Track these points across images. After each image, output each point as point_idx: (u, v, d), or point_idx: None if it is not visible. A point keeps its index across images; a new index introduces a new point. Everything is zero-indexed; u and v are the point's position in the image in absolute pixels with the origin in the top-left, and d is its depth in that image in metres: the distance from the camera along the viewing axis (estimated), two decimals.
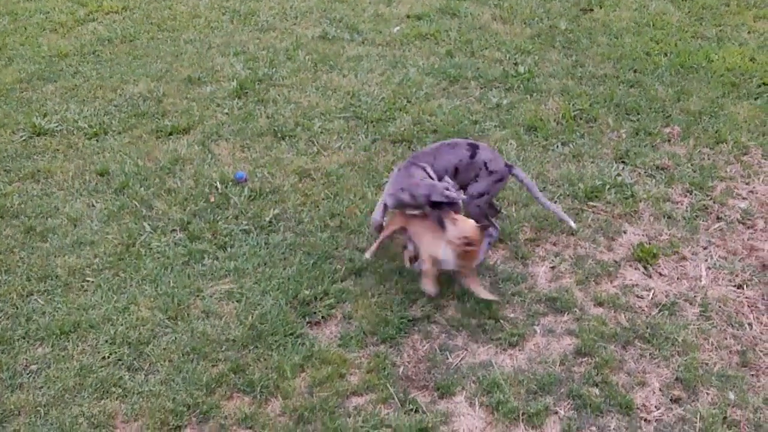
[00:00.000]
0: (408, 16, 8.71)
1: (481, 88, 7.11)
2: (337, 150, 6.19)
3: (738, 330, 4.45)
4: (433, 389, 4.11)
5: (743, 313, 4.56)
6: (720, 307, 4.60)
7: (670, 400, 4.03)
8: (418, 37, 8.18)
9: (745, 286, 4.75)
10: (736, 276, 4.83)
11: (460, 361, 4.29)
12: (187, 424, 3.98)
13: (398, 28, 8.39)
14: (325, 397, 4.06)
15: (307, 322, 4.55)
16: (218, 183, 5.72)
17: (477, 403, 4.03)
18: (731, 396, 4.03)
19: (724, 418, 3.91)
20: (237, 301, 4.68)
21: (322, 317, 4.59)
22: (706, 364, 4.22)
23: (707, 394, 4.06)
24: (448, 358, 4.30)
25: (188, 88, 7.19)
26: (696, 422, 3.88)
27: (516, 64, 7.53)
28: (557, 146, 6.18)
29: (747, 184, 5.69)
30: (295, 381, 4.17)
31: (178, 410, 4.02)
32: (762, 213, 5.38)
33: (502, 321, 4.52)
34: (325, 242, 5.14)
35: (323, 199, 5.59)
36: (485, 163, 4.77)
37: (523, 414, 3.93)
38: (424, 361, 4.28)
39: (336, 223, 5.33)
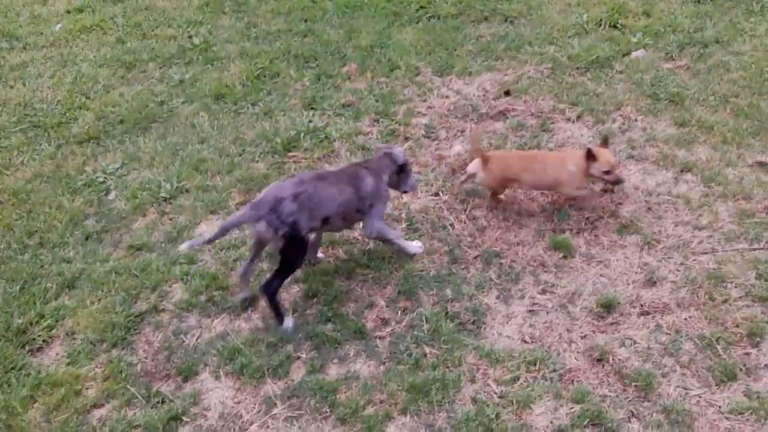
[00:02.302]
0: (68, 11, 8.23)
1: (161, 68, 6.95)
2: (20, 166, 5.76)
3: (443, 233, 4.83)
4: (176, 375, 4.05)
5: (444, 217, 4.95)
6: (423, 217, 4.95)
7: (398, 312, 4.30)
8: (84, 30, 7.77)
9: (440, 193, 5.15)
10: (432, 185, 5.22)
11: (197, 339, 4.25)
12: None
13: (59, 25, 7.90)
14: (64, 419, 3.84)
15: (28, 351, 4.26)
16: None
17: (222, 374, 4.03)
18: (448, 292, 4.40)
19: (446, 312, 4.25)
20: None
21: (44, 341, 4.31)
22: (422, 271, 4.55)
23: (428, 297, 4.38)
24: (184, 341, 4.24)
25: None
26: (423, 324, 4.19)
27: (190, 36, 7.43)
28: (248, 108, 6.24)
29: (424, 101, 6.12)
30: (28, 414, 3.89)
31: None
32: (442, 123, 5.84)
33: (231, 288, 4.53)
34: (29, 264, 4.80)
35: (16, 219, 5.20)
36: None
37: (268, 369, 4.00)
38: (161, 352, 4.19)
39: (36, 241, 4.99)
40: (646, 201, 4.92)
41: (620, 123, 5.67)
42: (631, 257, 4.54)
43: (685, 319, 4.11)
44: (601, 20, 7.04)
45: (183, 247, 4.31)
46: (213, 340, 4.22)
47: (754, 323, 4.03)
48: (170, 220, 5.09)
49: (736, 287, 4.27)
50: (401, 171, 4.59)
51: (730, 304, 4.16)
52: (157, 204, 5.23)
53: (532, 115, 5.86)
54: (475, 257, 4.65)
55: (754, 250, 4.50)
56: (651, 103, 5.86)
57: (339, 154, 5.57)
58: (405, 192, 4.84)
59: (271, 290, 4.19)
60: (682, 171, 5.14)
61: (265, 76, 6.64)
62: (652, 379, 3.80)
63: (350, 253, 4.71)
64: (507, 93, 6.16)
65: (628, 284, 4.37)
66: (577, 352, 4.01)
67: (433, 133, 5.76)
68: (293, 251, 4.18)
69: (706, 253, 4.51)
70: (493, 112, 5.95)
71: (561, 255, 4.60)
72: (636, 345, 4.00)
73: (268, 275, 4.31)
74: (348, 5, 7.64)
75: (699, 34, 6.76)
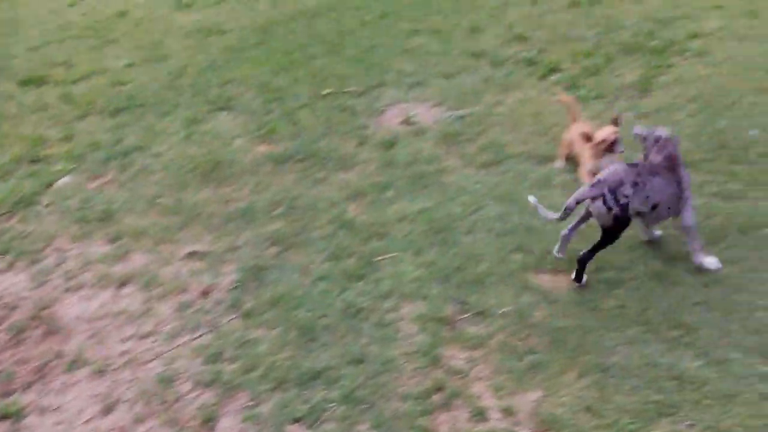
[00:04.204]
0: None
1: None
2: None
3: None
4: None
5: None
6: None
7: None
8: None
9: None
10: None
11: None
12: None
13: None
14: None
15: None
16: None
17: None
18: None
19: None
20: None
21: None
22: None
23: None
24: None
25: None
26: None
27: None
28: None
29: None
30: None
31: None
32: None
33: None
34: None
35: None
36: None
37: None
38: None
39: None
40: (90, 328, 4.90)
41: (54, 258, 5.59)
42: (84, 391, 4.47)
43: None
44: (20, 157, 6.92)
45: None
46: None
47: (206, 409, 4.25)
48: None
49: (186, 381, 4.47)
50: None
51: (182, 401, 4.34)
52: None
53: None
54: None
55: (196, 338, 4.77)
56: (82, 227, 5.91)
57: None
58: None
59: (586, 259, 4.89)
60: (121, 285, 5.25)
61: None
62: None
63: None
64: None
65: (87, 421, 4.29)
66: None
67: None
68: (616, 229, 4.83)
69: (154, 359, 4.65)
70: None
71: (12, 421, 4.33)
72: None
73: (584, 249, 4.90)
74: None
75: (119, 145, 7.04)
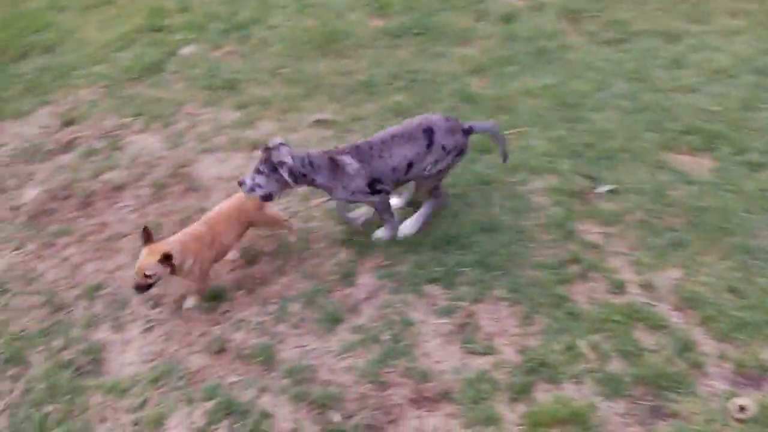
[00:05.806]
0: None
1: None
2: None
3: (36, 284, 4.49)
4: None
5: (33, 269, 4.62)
6: (11, 275, 4.56)
7: (8, 382, 3.93)
8: None
9: (23, 245, 4.80)
10: (12, 240, 4.84)
11: None
12: None
13: None
14: None
15: None
16: None
17: None
18: (57, 342, 4.10)
19: (60, 363, 3.97)
20: None
21: None
22: (23, 331, 4.20)
23: (37, 355, 4.06)
24: None
25: None
26: (38, 384, 3.88)
27: None
28: None
29: None
30: None
31: None
32: (9, 172, 5.43)
33: None
34: None
35: None
36: (443, 147, 4.40)
37: None
38: None
39: None
40: (228, 187, 5.04)
41: (186, 121, 5.74)
42: None
43: (285, 284, 4.33)
44: (141, 27, 7.02)
45: None
46: None
47: (344, 266, 4.39)
48: None
49: (321, 240, 4.61)
50: None
51: (320, 257, 4.49)
52: None
53: (99, 137, 5.69)
54: (77, 297, 4.42)
55: (328, 201, 4.87)
56: (210, 93, 6.03)
57: None
58: None
59: None
60: (253, 149, 5.37)
61: None
62: (271, 350, 3.96)
63: None
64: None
65: (233, 270, 4.49)
66: (199, 351, 4.03)
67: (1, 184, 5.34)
68: None
69: (291, 217, 4.78)
70: (58, 145, 5.67)
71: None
72: (249, 324, 4.13)
73: None
74: None
75: (236, 17, 7.07)
